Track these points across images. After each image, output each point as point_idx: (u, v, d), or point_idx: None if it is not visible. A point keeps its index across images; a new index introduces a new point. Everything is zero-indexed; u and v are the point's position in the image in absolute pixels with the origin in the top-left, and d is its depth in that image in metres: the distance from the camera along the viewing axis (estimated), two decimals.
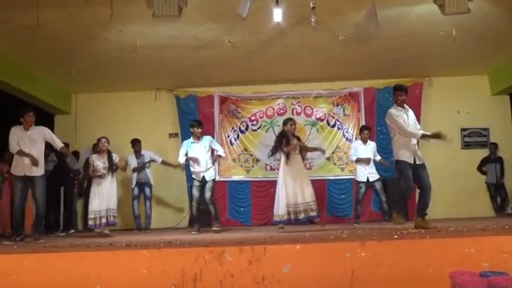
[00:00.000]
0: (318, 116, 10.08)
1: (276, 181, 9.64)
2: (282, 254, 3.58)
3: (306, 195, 6.46)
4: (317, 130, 10.05)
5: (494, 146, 9.53)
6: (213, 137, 9.97)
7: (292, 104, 10.15)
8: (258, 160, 9.98)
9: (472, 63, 9.17)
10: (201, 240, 4.78)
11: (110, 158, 7.33)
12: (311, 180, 9.52)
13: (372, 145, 8.15)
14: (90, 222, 7.10)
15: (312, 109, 10.12)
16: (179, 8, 5.82)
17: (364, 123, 9.77)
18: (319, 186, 9.85)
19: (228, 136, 10.12)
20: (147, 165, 8.77)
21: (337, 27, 7.27)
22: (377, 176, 7.94)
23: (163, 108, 10.23)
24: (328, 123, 10.05)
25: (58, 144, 6.55)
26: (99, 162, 7.28)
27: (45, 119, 9.87)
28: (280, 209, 6.50)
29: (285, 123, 6.81)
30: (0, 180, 7.69)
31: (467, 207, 9.38)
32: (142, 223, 8.63)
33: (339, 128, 9.99)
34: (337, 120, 10.03)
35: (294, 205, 6.43)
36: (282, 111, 10.14)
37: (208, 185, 7.13)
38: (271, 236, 5.26)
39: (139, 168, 8.67)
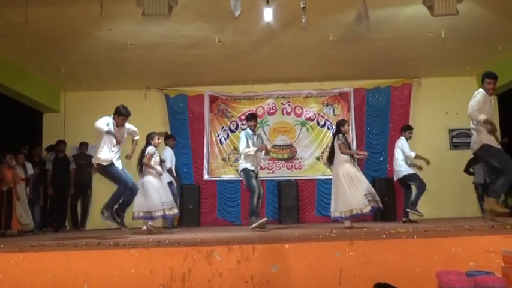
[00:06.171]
0: (307, 116, 10.12)
1: (265, 181, 9.69)
2: (270, 253, 3.58)
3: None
4: (307, 130, 10.10)
5: None
6: (204, 137, 10.05)
7: (282, 103, 10.18)
8: None
9: (461, 65, 9.25)
10: (190, 239, 4.77)
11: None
12: (300, 180, 9.68)
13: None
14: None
15: (302, 109, 10.15)
16: (169, 7, 5.80)
17: (353, 124, 9.89)
18: (308, 185, 9.90)
19: (218, 135, 10.12)
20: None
21: (328, 27, 7.29)
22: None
23: (153, 107, 10.17)
24: (318, 123, 10.11)
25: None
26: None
27: (34, 117, 9.80)
28: (359, 202, 6.46)
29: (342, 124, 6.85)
30: None
31: (455, 207, 9.46)
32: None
33: (328, 128, 10.02)
34: (327, 120, 10.08)
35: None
36: (272, 110, 10.17)
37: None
38: (260, 235, 5.26)
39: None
